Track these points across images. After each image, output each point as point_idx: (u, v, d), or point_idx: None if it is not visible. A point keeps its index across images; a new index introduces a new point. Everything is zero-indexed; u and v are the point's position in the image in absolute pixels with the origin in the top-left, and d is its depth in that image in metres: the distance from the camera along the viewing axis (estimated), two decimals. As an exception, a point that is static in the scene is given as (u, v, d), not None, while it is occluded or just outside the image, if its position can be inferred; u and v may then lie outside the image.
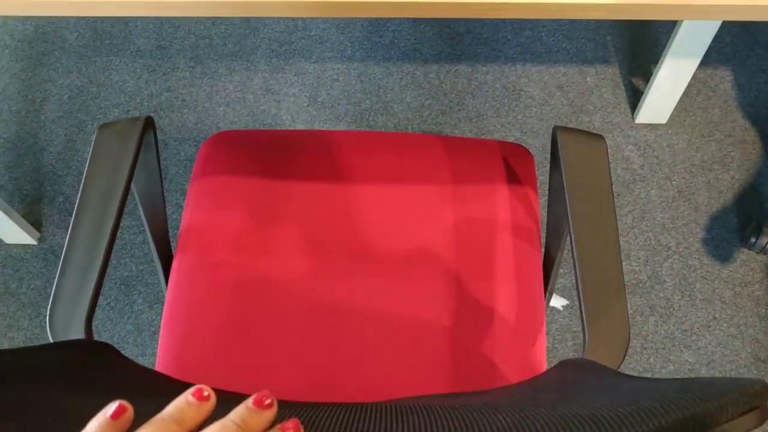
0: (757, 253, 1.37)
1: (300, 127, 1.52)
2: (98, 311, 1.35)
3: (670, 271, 1.36)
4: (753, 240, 1.35)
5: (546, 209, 0.90)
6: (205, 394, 0.36)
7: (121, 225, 1.41)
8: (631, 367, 1.29)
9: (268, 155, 0.92)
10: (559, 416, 0.33)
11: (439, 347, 0.81)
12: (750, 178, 1.45)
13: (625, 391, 0.38)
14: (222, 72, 1.57)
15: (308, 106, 1.54)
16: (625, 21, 1.63)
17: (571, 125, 1.51)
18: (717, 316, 1.33)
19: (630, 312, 1.33)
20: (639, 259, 1.37)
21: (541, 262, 0.89)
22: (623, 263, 1.37)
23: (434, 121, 1.52)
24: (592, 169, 0.73)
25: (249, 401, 0.36)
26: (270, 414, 0.36)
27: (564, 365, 0.60)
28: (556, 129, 0.77)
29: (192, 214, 0.89)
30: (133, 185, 0.81)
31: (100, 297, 1.36)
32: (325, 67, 1.58)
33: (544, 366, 0.82)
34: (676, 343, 1.30)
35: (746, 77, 1.56)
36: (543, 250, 0.91)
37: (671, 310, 1.33)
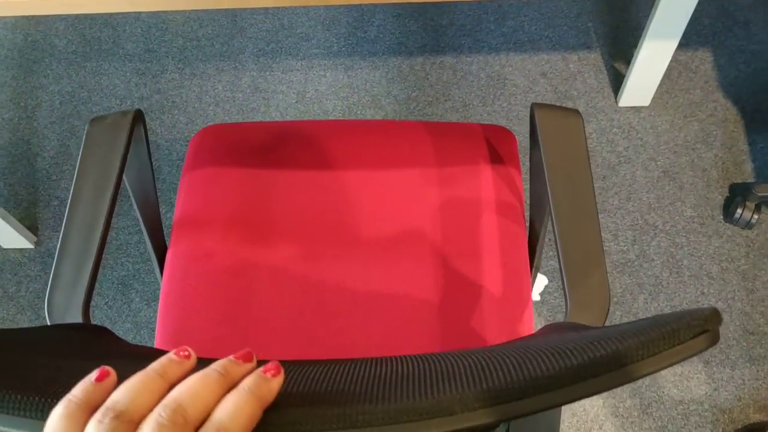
0: (742, 228, 1.40)
1: (289, 123, 1.54)
2: (96, 311, 1.37)
3: (657, 249, 1.39)
4: (737, 215, 1.37)
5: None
6: (186, 353, 0.39)
7: (116, 225, 1.43)
8: (623, 344, 1.32)
9: (257, 146, 0.95)
10: (519, 347, 0.35)
11: (428, 323, 0.83)
12: (732, 155, 1.48)
13: (594, 331, 0.40)
14: (211, 72, 1.60)
15: (297, 102, 1.56)
16: (606, 6, 1.66)
17: (555, 111, 1.53)
18: (705, 291, 1.35)
19: (620, 290, 1.36)
20: (627, 238, 1.40)
21: (526, 238, 0.91)
22: (611, 243, 1.40)
23: (421, 113, 1.54)
24: (569, 141, 0.76)
25: (232, 356, 0.39)
26: (250, 366, 0.39)
27: (546, 327, 0.63)
28: (533, 106, 0.80)
29: (183, 206, 0.91)
30: (125, 179, 0.83)
31: (99, 297, 1.38)
32: (311, 64, 1.60)
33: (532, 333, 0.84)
34: (666, 320, 1.33)
35: (726, 58, 1.59)
36: (528, 227, 0.93)
37: (660, 287, 1.36)
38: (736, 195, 1.43)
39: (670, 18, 1.30)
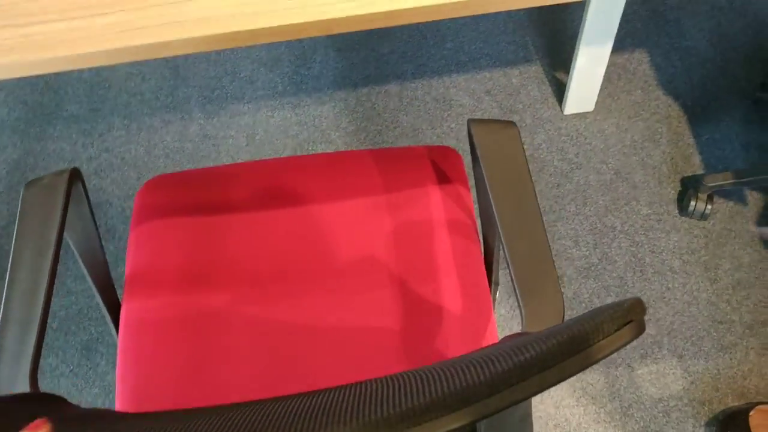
0: (697, 219, 1.42)
1: (241, 166, 1.53)
2: (62, 379, 1.33)
3: (618, 250, 1.40)
4: (692, 208, 1.39)
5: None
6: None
7: (75, 290, 1.41)
8: (597, 348, 1.32)
9: (203, 191, 0.94)
10: (459, 361, 0.35)
11: (392, 349, 0.82)
12: (680, 150, 1.50)
13: (529, 336, 0.40)
14: (158, 125, 1.59)
15: (247, 145, 1.56)
16: (540, 19, 1.69)
17: (503, 126, 1.55)
18: (669, 286, 1.36)
19: (587, 295, 1.36)
20: (588, 243, 1.41)
21: (482, 253, 0.91)
22: (573, 249, 1.41)
23: (372, 142, 1.55)
24: (506, 153, 0.76)
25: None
26: None
27: (504, 339, 0.62)
28: (469, 122, 0.80)
29: (134, 261, 0.90)
30: (69, 240, 0.82)
31: (63, 365, 1.35)
32: (258, 106, 1.60)
33: (496, 352, 0.84)
34: (636, 319, 1.33)
35: (661, 56, 1.63)
36: (482, 241, 0.94)
37: (626, 287, 1.36)
38: (688, 188, 1.45)
39: (602, 23, 1.33)
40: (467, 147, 1.53)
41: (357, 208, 0.92)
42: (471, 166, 1.48)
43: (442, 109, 1.58)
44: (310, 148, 1.55)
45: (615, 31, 1.35)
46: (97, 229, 0.86)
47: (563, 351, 0.30)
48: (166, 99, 1.62)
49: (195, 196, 0.93)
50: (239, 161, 1.53)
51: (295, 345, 0.83)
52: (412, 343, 0.83)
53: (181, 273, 0.87)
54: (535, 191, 0.76)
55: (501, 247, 0.92)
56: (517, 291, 0.69)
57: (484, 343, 0.84)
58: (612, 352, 0.31)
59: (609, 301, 1.35)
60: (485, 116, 1.57)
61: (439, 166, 0.97)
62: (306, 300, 0.85)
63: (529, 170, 0.77)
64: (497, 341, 0.86)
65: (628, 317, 0.32)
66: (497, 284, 0.97)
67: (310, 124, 1.57)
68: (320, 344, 0.83)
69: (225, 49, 0.90)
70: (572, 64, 1.45)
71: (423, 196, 0.93)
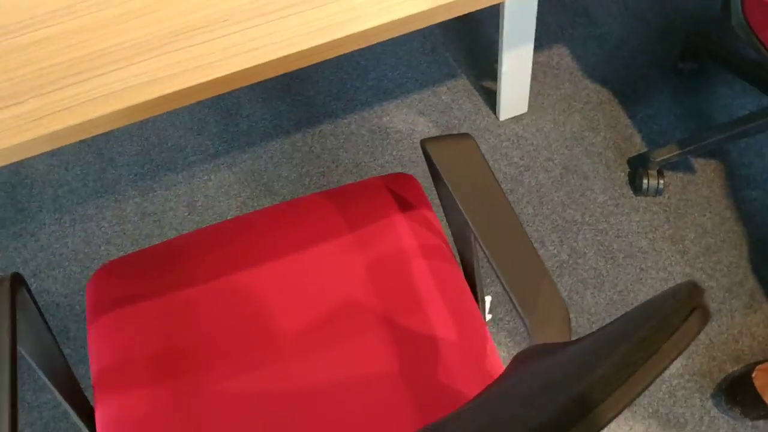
0: (653, 196, 1.42)
1: (188, 237, 1.47)
2: (40, 503, 1.22)
3: (585, 242, 1.39)
4: (645, 186, 1.40)
5: (448, 223, 0.90)
6: None
7: (36, 403, 1.30)
8: (586, 344, 1.30)
9: (157, 270, 0.88)
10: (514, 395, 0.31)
11: (397, 394, 0.77)
12: (619, 132, 1.52)
13: (575, 348, 0.36)
14: (91, 213, 1.51)
15: (189, 215, 1.49)
16: (455, 34, 1.70)
17: (445, 143, 1.53)
18: (643, 266, 1.36)
19: (566, 293, 1.34)
20: (554, 241, 1.40)
21: (462, 273, 0.88)
22: (540, 250, 1.39)
23: (317, 185, 1.51)
24: (469, 165, 0.74)
25: None
26: None
27: (516, 358, 0.58)
28: (423, 142, 0.77)
29: (98, 358, 0.82)
30: (22, 350, 0.74)
31: (38, 487, 1.24)
32: (193, 172, 1.54)
33: (501, 367, 0.80)
34: (618, 306, 1.32)
35: (580, 47, 1.65)
36: (459, 261, 0.90)
37: (601, 277, 1.35)
38: (637, 167, 1.46)
39: (519, 26, 1.34)
40: (415, 170, 1.51)
41: (323, 254, 0.88)
42: (427, 187, 1.46)
43: (380, 139, 1.55)
44: (255, 204, 1.49)
45: (533, 31, 1.36)
46: (52, 334, 0.79)
47: (636, 357, 0.27)
48: (95, 184, 1.54)
49: (149, 277, 0.87)
50: (184, 232, 1.46)
51: (294, 412, 0.77)
52: (416, 382, 0.78)
53: (154, 361, 0.81)
54: (506, 198, 0.73)
55: (479, 260, 0.89)
56: (515, 303, 0.66)
57: (488, 365, 0.80)
58: (684, 349, 0.28)
59: (588, 294, 1.33)
60: (424, 136, 1.55)
61: (398, 193, 0.93)
62: (294, 361, 0.80)
63: (495, 177, 0.74)
64: (499, 360, 0.82)
65: (691, 304, 0.28)
66: (483, 299, 0.93)
67: (251, 180, 1.52)
68: (321, 406, 0.77)
69: (146, 120, 0.85)
70: (498, 70, 1.45)
71: (389, 227, 0.89)
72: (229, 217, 1.48)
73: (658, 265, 1.35)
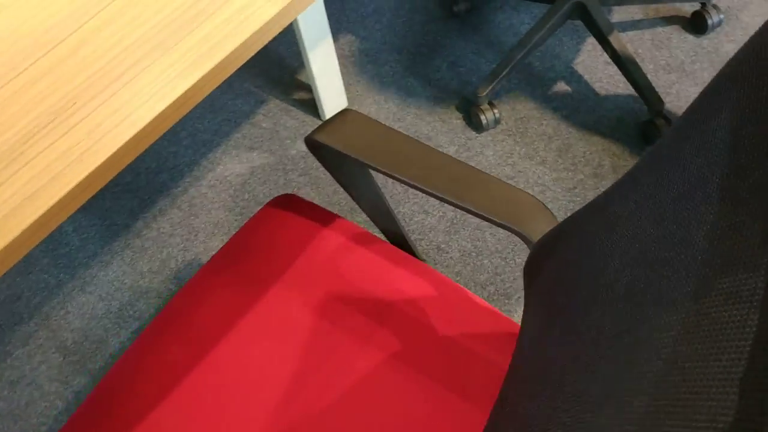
0: (494, 127, 1.50)
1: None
2: None
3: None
4: (484, 122, 1.47)
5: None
6: None
7: None
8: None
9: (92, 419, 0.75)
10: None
11: (439, 392, 0.74)
12: (435, 86, 1.58)
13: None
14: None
15: (65, 358, 1.31)
16: (246, 63, 1.66)
17: (289, 167, 1.50)
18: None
19: (469, 245, 1.37)
20: (434, 206, 1.42)
21: (431, 268, 0.86)
22: (427, 218, 1.41)
23: (186, 263, 1.40)
24: (368, 128, 0.72)
25: None
26: None
27: (527, 268, 0.59)
28: (308, 141, 0.74)
29: None
30: None
31: None
32: (46, 313, 1.36)
33: (515, 323, 0.79)
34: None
35: (361, 29, 1.69)
36: (386, 239, 0.88)
37: (489, 216, 1.40)
38: (469, 109, 1.53)
39: (315, 26, 1.34)
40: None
41: (270, 308, 0.81)
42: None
43: (225, 189, 1.48)
44: (132, 313, 1.35)
45: (328, 27, 1.36)
46: None
47: None
48: (-62, 379, 1.30)
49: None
50: (69, 379, 1.29)
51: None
52: (444, 372, 0.75)
53: None
54: (412, 138, 0.72)
55: (404, 228, 0.87)
56: (491, 219, 0.66)
57: (502, 327, 0.79)
58: None
59: (489, 235, 1.37)
60: (266, 169, 1.50)
61: (294, 216, 0.89)
62: (299, 407, 0.73)
63: (393, 129, 0.73)
64: (500, 315, 0.81)
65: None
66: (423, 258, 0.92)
67: (114, 291, 1.37)
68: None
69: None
70: (309, 76, 1.44)
71: (308, 253, 0.85)
72: (109, 343, 1.32)
73: (530, 183, 1.43)
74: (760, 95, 0.33)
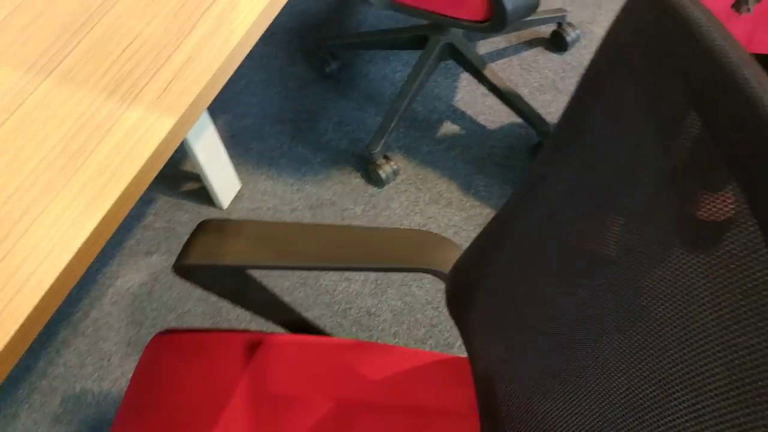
0: (394, 179, 1.49)
1: None
2: None
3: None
4: (384, 175, 1.46)
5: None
6: None
7: None
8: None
9: None
10: None
11: None
12: (328, 149, 1.55)
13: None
14: None
15: None
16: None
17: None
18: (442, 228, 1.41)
19: (399, 302, 1.34)
20: (364, 280, 1.38)
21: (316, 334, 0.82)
22: (351, 285, 1.37)
23: (97, 400, 1.28)
24: (238, 232, 0.70)
25: None
26: None
27: (449, 303, 0.56)
28: (177, 269, 0.69)
29: None
30: None
31: None
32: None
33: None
34: (441, 283, 1.36)
35: (242, 107, 1.64)
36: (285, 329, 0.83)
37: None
38: (366, 166, 1.51)
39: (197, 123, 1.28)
40: (192, 310, 1.36)
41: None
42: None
43: (130, 302, 1.37)
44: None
45: (208, 116, 1.31)
46: None
47: None
48: None
49: None
50: None
51: None
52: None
53: None
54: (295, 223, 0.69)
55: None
56: (402, 267, 0.64)
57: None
58: None
59: (415, 287, 1.35)
60: (166, 269, 1.40)
61: (181, 352, 0.83)
62: None
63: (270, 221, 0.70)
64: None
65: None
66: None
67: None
68: None
69: None
70: (197, 166, 1.38)
71: (216, 384, 0.79)
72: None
73: (442, 227, 1.42)
74: (611, 99, 0.44)
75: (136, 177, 0.69)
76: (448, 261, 0.70)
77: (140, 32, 0.80)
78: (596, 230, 0.45)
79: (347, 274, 1.38)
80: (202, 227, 0.72)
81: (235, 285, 0.78)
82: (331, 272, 1.38)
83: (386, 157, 1.47)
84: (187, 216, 1.48)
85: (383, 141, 1.45)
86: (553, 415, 0.49)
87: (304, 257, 0.69)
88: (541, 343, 0.52)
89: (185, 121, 0.73)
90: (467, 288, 0.65)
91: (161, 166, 0.73)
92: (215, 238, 0.71)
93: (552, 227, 0.51)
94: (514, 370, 0.57)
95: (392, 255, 0.69)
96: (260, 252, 0.70)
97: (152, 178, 0.75)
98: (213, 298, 1.37)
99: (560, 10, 1.65)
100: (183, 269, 0.69)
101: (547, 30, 1.72)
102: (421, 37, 1.55)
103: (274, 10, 0.83)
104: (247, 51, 0.81)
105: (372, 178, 1.49)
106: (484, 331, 0.64)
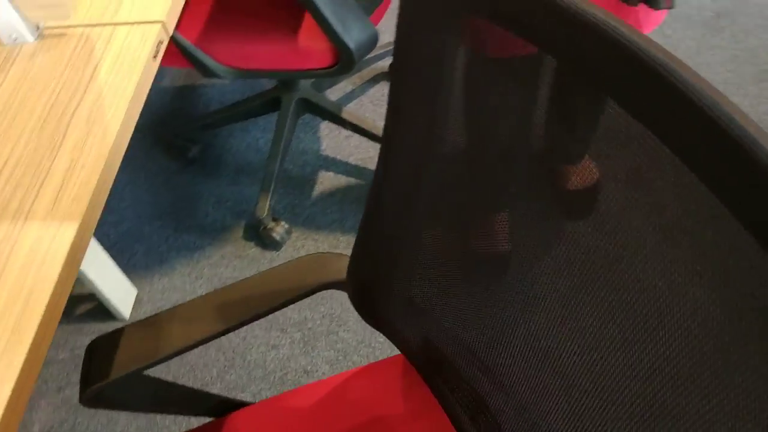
0: (289, 238, 1.50)
1: None
2: None
3: (306, 313, 1.40)
4: (277, 237, 1.46)
5: None
6: None
7: None
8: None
9: None
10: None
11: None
12: (213, 228, 1.54)
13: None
14: None
15: None
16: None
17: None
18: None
19: (332, 354, 1.34)
20: (278, 336, 1.37)
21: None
22: (278, 351, 1.35)
23: None
24: (125, 339, 0.71)
25: None
26: None
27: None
28: (85, 401, 0.68)
29: None
30: None
31: None
32: None
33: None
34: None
35: (115, 215, 1.60)
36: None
37: (345, 318, 1.39)
38: (258, 234, 1.51)
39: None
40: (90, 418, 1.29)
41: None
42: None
43: (57, 445, 1.28)
44: None
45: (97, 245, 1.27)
46: None
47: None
48: None
49: None
50: None
51: None
52: None
53: None
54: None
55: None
56: (302, 292, 0.66)
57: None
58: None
59: (344, 332, 1.36)
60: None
61: None
62: None
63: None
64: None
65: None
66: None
67: None
68: None
69: None
70: (89, 285, 1.32)
71: None
72: None
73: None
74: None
75: (52, 295, 0.66)
76: (341, 270, 0.72)
77: (9, 155, 0.78)
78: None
79: (272, 341, 1.37)
80: (92, 349, 0.70)
81: (144, 392, 0.75)
82: (257, 345, 1.36)
83: (275, 219, 1.48)
84: (90, 338, 1.41)
85: (268, 205, 1.46)
86: (478, 343, 0.59)
87: (200, 332, 0.69)
88: (460, 288, 0.58)
89: (87, 222, 0.71)
90: (368, 283, 0.68)
91: (74, 278, 0.71)
92: (107, 354, 0.69)
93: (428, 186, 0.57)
94: (440, 320, 0.63)
95: (289, 285, 0.70)
96: (154, 346, 0.68)
97: (69, 292, 0.72)
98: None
99: (392, 42, 1.76)
100: (90, 399, 0.66)
101: (385, 64, 1.81)
102: (273, 99, 1.59)
103: (142, 94, 0.84)
104: (128, 139, 0.81)
105: (267, 243, 1.49)
106: (399, 309, 0.68)
